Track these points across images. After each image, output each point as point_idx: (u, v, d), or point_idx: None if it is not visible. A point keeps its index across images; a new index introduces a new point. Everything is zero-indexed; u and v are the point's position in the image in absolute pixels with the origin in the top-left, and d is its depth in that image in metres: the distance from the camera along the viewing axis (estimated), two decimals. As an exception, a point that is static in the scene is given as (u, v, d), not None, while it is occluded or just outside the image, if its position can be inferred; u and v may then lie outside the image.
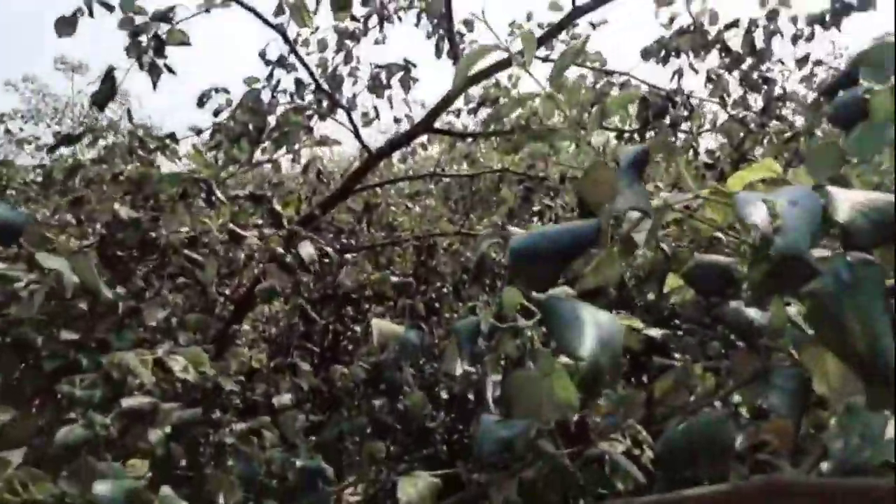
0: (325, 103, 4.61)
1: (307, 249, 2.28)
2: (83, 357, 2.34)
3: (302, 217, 4.44)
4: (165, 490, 1.11)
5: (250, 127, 3.30)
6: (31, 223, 1.21)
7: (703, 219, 1.58)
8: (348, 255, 7.67)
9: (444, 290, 6.14)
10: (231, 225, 2.42)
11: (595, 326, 0.71)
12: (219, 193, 2.43)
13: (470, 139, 5.01)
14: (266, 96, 3.63)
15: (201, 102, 5.01)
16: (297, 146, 5.08)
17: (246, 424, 2.18)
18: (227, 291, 5.23)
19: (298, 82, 3.72)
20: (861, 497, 0.69)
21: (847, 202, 0.75)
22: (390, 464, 1.90)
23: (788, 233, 0.62)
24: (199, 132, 5.28)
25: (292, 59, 4.29)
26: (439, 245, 5.44)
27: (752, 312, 1.24)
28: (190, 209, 2.51)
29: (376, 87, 3.93)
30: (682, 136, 4.44)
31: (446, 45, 3.97)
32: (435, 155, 5.60)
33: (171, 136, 4.53)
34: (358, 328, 6.88)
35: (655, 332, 1.80)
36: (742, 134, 4.05)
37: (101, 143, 4.05)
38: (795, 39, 3.72)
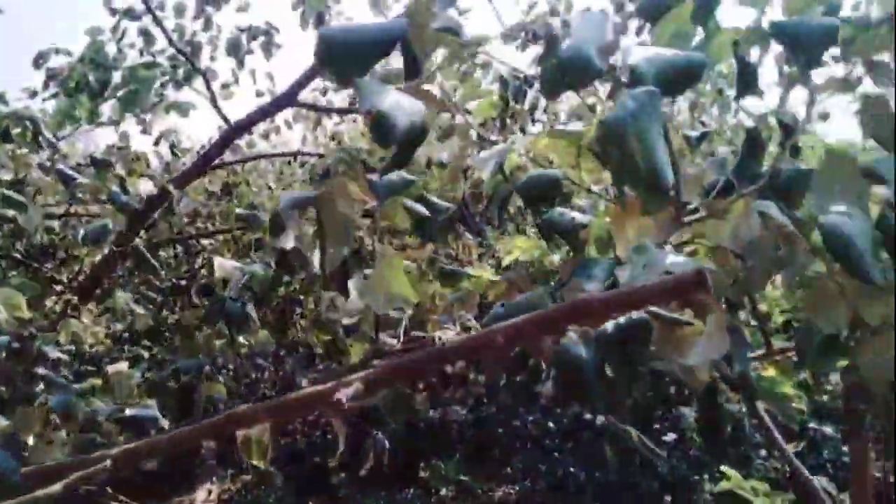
0: (180, 70, 4.38)
1: (147, 185, 2.14)
2: None
3: (153, 195, 4.16)
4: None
5: (91, 80, 3.05)
6: None
7: (544, 163, 1.74)
8: (205, 241, 7.26)
9: (306, 280, 5.98)
10: (60, 166, 2.21)
11: (398, 97, 0.74)
12: (47, 133, 2.21)
13: (336, 117, 4.97)
14: (112, 50, 3.38)
15: (37, 63, 4.58)
16: (147, 115, 4.77)
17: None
18: (65, 278, 4.78)
19: (146, 33, 3.48)
20: (654, 298, 0.76)
21: (637, 51, 0.84)
22: (231, 404, 1.82)
23: (577, 37, 0.68)
24: (33, 94, 4.81)
25: (146, 22, 4.03)
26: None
27: (576, 215, 1.33)
28: (15, 151, 2.27)
29: (236, 49, 3.78)
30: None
31: (313, 16, 3.90)
32: (298, 135, 5.48)
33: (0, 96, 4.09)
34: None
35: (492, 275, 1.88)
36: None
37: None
38: (639, 31, 4.04)
